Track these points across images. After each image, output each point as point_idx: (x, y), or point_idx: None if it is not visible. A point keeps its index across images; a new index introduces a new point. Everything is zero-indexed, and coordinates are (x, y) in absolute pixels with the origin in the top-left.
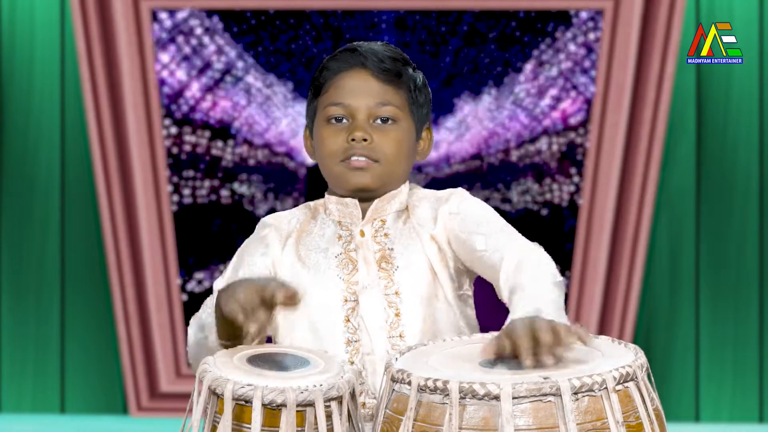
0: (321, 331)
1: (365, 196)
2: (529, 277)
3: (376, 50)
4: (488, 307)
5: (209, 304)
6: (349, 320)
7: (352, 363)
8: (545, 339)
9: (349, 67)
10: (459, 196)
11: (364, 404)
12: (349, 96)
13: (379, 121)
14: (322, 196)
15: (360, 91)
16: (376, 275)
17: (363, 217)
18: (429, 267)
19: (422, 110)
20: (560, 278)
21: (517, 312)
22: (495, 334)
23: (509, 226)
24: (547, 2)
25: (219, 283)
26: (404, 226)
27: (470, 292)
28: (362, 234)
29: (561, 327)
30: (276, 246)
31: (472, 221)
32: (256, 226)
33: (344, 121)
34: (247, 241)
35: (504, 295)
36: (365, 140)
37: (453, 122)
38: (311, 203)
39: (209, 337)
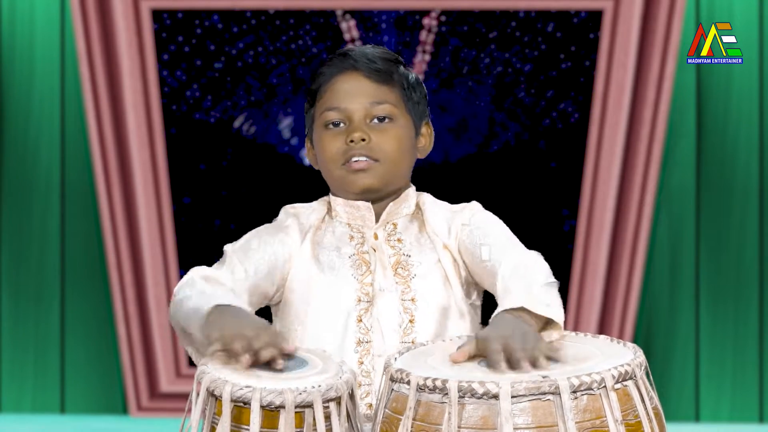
0: (331, 330)
1: (372, 197)
2: (520, 277)
3: (366, 52)
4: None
5: (207, 292)
6: (361, 320)
7: (362, 363)
8: (516, 352)
9: (342, 71)
10: (471, 208)
11: (370, 405)
12: (344, 99)
13: (375, 120)
14: (325, 195)
15: (354, 93)
16: (392, 280)
17: (376, 220)
18: (444, 277)
19: (418, 107)
20: (553, 280)
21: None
22: None
23: (515, 238)
24: (547, 2)
25: (230, 247)
26: (420, 233)
27: (478, 303)
28: (376, 237)
29: (531, 340)
30: (296, 238)
31: (481, 233)
32: (280, 213)
33: (341, 125)
34: (268, 224)
35: (499, 297)
36: (363, 140)
37: (452, 122)
38: (327, 198)
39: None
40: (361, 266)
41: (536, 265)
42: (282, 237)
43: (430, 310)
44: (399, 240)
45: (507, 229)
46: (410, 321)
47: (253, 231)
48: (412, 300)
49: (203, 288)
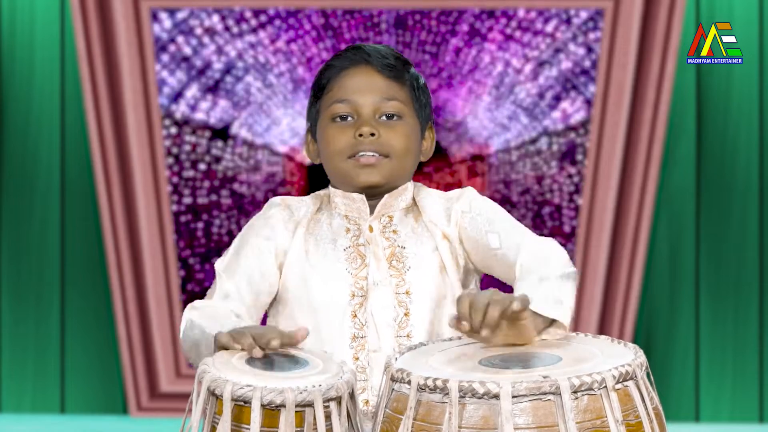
0: (326, 326)
1: (372, 192)
2: (535, 270)
3: (379, 48)
4: None
5: (208, 314)
6: (356, 316)
7: (357, 359)
8: (491, 314)
9: (353, 64)
10: (469, 194)
11: (367, 402)
12: (354, 93)
13: (384, 117)
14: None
15: (365, 88)
16: (386, 272)
17: (371, 213)
18: (440, 268)
19: (425, 110)
20: (568, 270)
21: None
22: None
23: (519, 223)
24: (547, 2)
25: (220, 264)
26: (416, 224)
27: (475, 291)
28: (371, 229)
29: (506, 305)
30: (281, 230)
31: (484, 220)
32: (264, 206)
33: (350, 119)
34: (252, 220)
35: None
36: (373, 135)
37: (453, 122)
38: (320, 192)
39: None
40: (356, 259)
41: (550, 257)
42: (267, 232)
43: (425, 302)
44: (394, 231)
45: (508, 214)
46: (405, 314)
47: (240, 235)
48: (407, 293)
49: (202, 325)
